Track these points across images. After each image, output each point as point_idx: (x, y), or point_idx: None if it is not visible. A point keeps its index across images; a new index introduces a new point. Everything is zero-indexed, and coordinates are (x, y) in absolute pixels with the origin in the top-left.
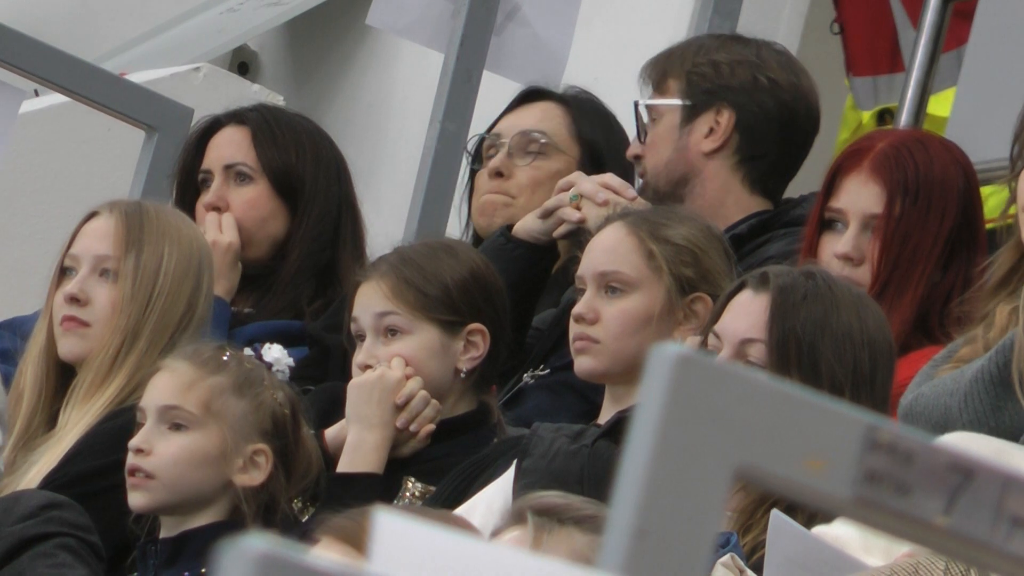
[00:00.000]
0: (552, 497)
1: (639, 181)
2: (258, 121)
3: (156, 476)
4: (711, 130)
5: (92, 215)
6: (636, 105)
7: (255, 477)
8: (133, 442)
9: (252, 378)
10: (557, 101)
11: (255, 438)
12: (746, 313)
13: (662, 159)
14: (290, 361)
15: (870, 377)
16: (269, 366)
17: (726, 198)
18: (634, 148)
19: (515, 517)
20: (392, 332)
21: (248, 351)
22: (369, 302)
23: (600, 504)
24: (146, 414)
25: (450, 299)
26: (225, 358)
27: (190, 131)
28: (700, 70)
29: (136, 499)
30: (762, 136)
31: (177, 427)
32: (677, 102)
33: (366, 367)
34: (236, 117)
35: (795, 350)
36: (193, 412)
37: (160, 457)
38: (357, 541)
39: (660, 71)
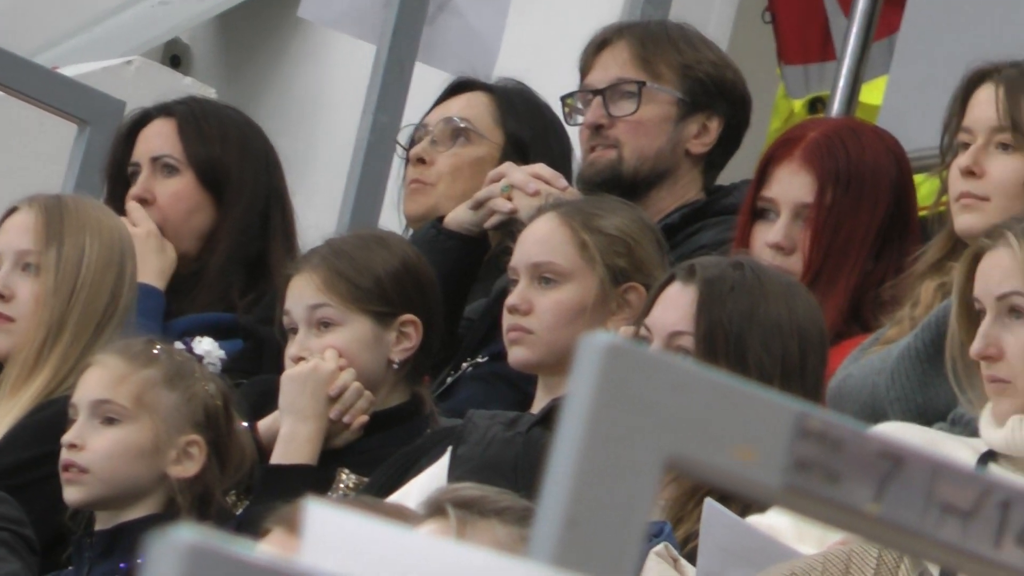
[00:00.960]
0: (469, 489)
1: (605, 155)
2: (185, 113)
3: (90, 470)
4: (699, 132)
5: (13, 210)
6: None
7: (189, 468)
8: (66, 437)
9: (183, 371)
10: (484, 90)
11: (187, 429)
12: (675, 305)
13: (653, 146)
14: (221, 354)
15: (800, 367)
16: (200, 359)
17: (685, 197)
18: (598, 117)
19: (433, 509)
20: (324, 324)
21: (179, 345)
22: (301, 294)
23: (517, 495)
24: (78, 410)
25: (382, 290)
26: (156, 351)
27: (120, 124)
28: (703, 70)
29: (72, 494)
30: (731, 146)
31: (109, 421)
32: (676, 94)
33: (299, 359)
34: (164, 109)
35: (722, 341)
36: (125, 405)
37: (93, 452)
38: None
39: (645, 51)
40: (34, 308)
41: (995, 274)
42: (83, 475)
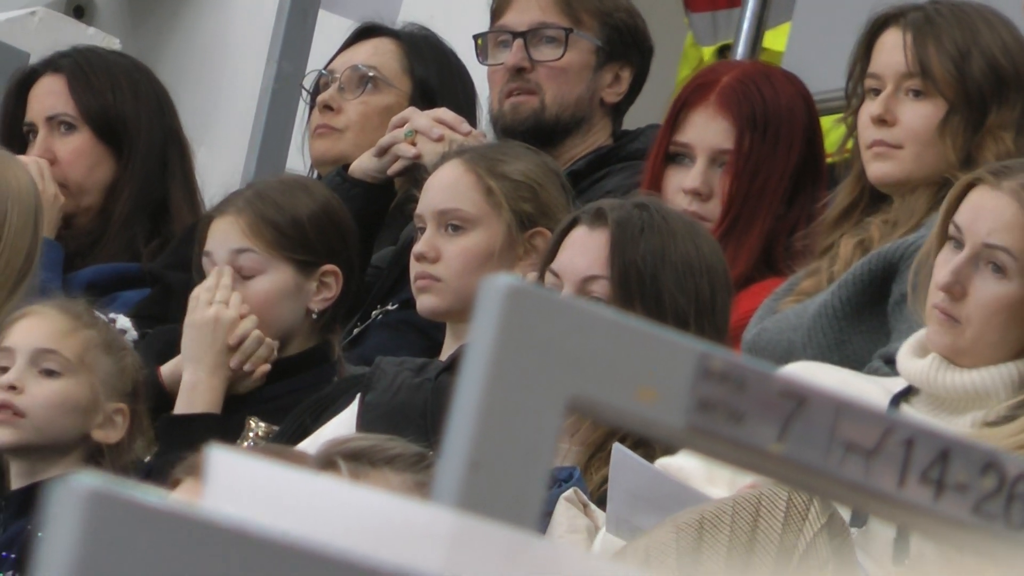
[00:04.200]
0: (358, 440)
1: (527, 101)
2: (73, 68)
3: (27, 415)
4: (612, 82)
5: None
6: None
7: (111, 435)
8: (5, 378)
9: (118, 340)
10: (391, 37)
11: (116, 397)
12: (584, 250)
13: (574, 93)
14: (135, 335)
15: (711, 304)
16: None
17: (595, 144)
18: (519, 60)
19: (323, 463)
20: (247, 270)
21: (110, 318)
22: (225, 238)
23: (426, 441)
24: (14, 355)
25: (305, 238)
26: (95, 314)
27: (8, 82)
28: (619, 18)
29: (1, 435)
30: (634, 96)
31: (49, 373)
32: (597, 42)
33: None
34: (51, 65)
35: (637, 283)
36: (68, 359)
37: (33, 397)
38: None
39: None
40: None
41: (990, 220)
42: (18, 418)
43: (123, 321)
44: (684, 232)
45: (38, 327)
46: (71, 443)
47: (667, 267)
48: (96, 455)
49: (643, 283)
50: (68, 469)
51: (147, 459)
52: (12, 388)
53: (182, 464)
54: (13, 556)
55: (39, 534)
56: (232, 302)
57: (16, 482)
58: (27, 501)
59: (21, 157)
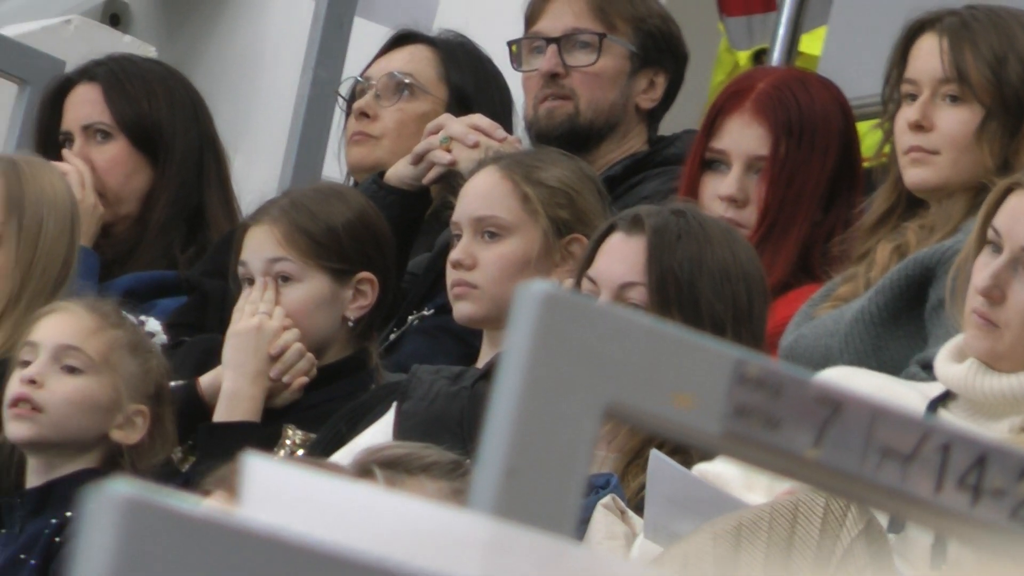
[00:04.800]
0: (394, 448)
1: (562, 107)
2: (108, 76)
3: (45, 410)
4: (647, 87)
5: None
6: (575, 30)
7: (130, 436)
8: (26, 372)
9: (144, 341)
10: (427, 44)
11: (139, 398)
12: (621, 256)
13: (607, 98)
14: (164, 339)
15: (748, 311)
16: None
17: (631, 150)
18: (554, 65)
19: (359, 471)
20: (283, 279)
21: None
22: (260, 246)
23: (463, 450)
24: (38, 350)
25: (341, 247)
26: (123, 315)
27: (43, 91)
28: (653, 24)
29: (19, 429)
30: (669, 102)
31: (71, 370)
32: (631, 47)
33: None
34: (87, 74)
35: (674, 290)
36: (92, 357)
37: (53, 393)
38: None
39: (600, 2)
40: None
41: None
42: (36, 413)
43: (152, 324)
44: (721, 238)
45: (64, 324)
46: (89, 442)
47: (704, 274)
48: (115, 455)
49: (680, 290)
50: (85, 466)
51: (185, 468)
52: (32, 382)
53: (212, 475)
54: (33, 562)
55: (58, 539)
56: (275, 314)
57: (32, 479)
58: (44, 499)
59: (61, 165)
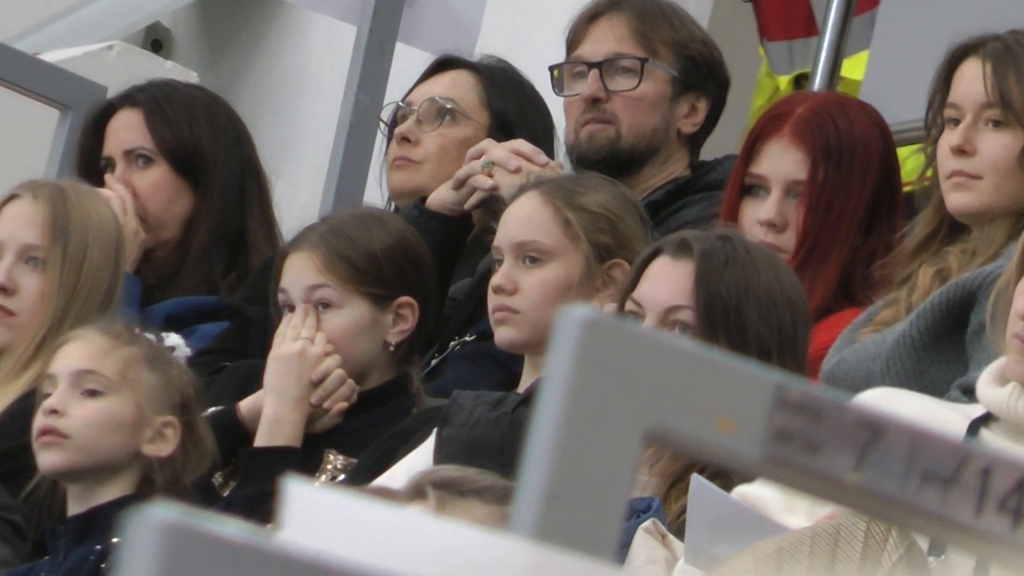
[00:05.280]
0: (449, 470)
1: (603, 131)
2: (149, 101)
3: (70, 436)
4: (688, 112)
5: (12, 197)
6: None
7: (162, 448)
8: (47, 403)
9: (163, 354)
10: (469, 69)
11: (165, 410)
12: (667, 280)
13: (649, 123)
14: (187, 351)
15: (792, 337)
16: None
17: (672, 175)
18: (595, 90)
19: (414, 492)
20: (324, 305)
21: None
22: (299, 274)
23: (503, 475)
24: (57, 380)
25: (380, 272)
26: (136, 332)
27: (85, 116)
28: (695, 48)
29: (48, 459)
30: (711, 126)
31: (91, 393)
32: (673, 72)
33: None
34: (128, 99)
35: (721, 315)
36: (109, 377)
37: (75, 419)
38: None
39: (644, 26)
40: (38, 304)
41: None
42: (62, 440)
43: (174, 338)
44: (766, 265)
45: (78, 350)
46: (122, 461)
47: (751, 299)
48: (152, 472)
49: (728, 315)
50: (123, 491)
51: (225, 493)
52: (55, 412)
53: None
54: None
55: (103, 566)
56: (317, 340)
57: (74, 507)
58: (87, 526)
59: (103, 191)
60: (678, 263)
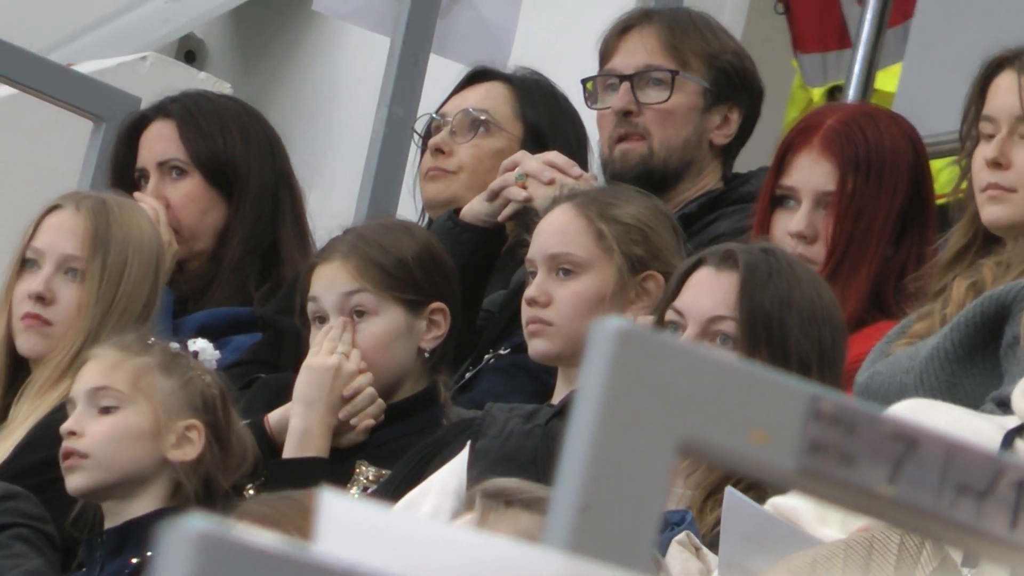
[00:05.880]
0: (503, 481)
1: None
2: (182, 113)
3: (90, 455)
4: (721, 123)
5: (54, 207)
6: (647, 67)
7: (188, 452)
8: (65, 426)
9: (178, 359)
10: (503, 81)
11: (186, 414)
12: (710, 290)
13: (680, 136)
14: (216, 354)
15: (832, 353)
16: (195, 355)
17: (706, 187)
18: (627, 103)
19: (468, 503)
20: (359, 312)
21: (173, 344)
22: (333, 282)
23: (550, 487)
24: (75, 402)
25: (413, 277)
26: (150, 342)
27: (119, 127)
28: (727, 60)
29: (74, 480)
30: (745, 137)
31: (107, 410)
32: (704, 84)
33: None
34: (161, 110)
35: (764, 327)
36: (121, 390)
37: (93, 437)
38: (276, 525)
39: (674, 38)
40: (75, 315)
41: None
42: (83, 460)
43: (200, 343)
44: (808, 279)
45: (89, 369)
46: (149, 471)
47: (793, 313)
48: (185, 472)
49: (770, 328)
50: (157, 503)
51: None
52: (72, 434)
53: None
54: None
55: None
56: (352, 356)
57: (109, 521)
58: (123, 539)
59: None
60: (722, 274)
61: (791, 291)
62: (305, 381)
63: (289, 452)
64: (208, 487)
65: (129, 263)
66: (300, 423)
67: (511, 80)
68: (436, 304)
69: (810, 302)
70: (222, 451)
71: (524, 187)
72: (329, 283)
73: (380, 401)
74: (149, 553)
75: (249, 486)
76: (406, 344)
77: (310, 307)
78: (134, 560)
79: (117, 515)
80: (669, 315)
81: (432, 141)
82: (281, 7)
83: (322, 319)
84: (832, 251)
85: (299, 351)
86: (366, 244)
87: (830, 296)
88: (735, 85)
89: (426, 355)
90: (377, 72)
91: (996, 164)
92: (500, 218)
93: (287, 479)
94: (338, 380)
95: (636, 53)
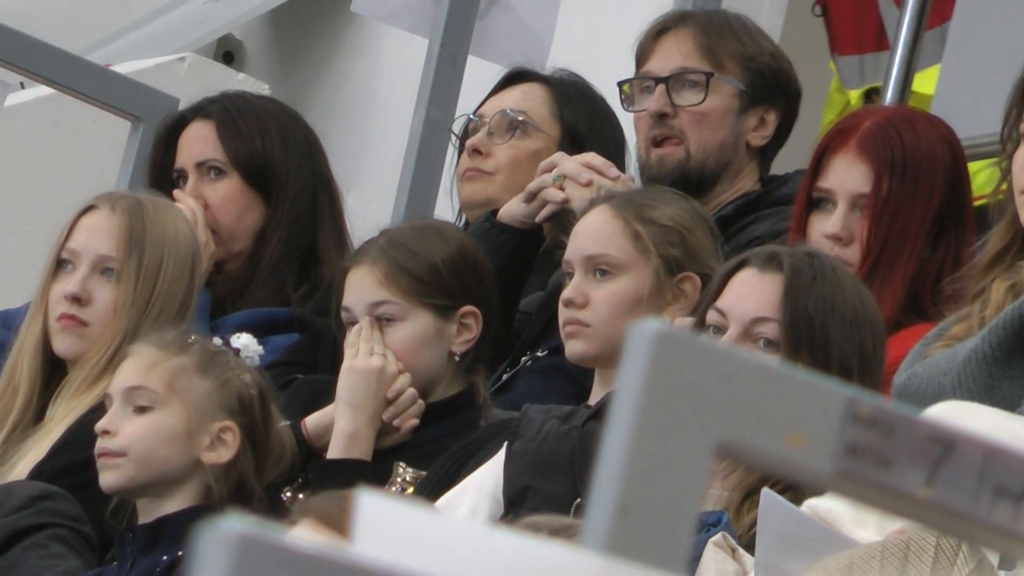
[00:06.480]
0: (535, 517)
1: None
2: (221, 114)
3: (125, 453)
4: (757, 125)
5: (89, 208)
6: (683, 70)
7: (222, 455)
8: (99, 425)
9: (216, 359)
10: (540, 82)
11: (221, 416)
12: (754, 292)
13: (717, 139)
14: (259, 349)
15: (872, 358)
16: (237, 352)
17: (743, 189)
18: (662, 106)
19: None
20: (387, 320)
21: (216, 340)
22: (360, 290)
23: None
24: (112, 399)
25: (443, 283)
26: (189, 341)
27: (157, 128)
28: (763, 61)
29: (108, 478)
30: (783, 139)
31: (142, 409)
32: (740, 86)
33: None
34: (200, 111)
35: (807, 330)
36: (156, 391)
37: (127, 436)
38: (337, 523)
39: (709, 40)
40: (111, 316)
41: None
42: (118, 459)
43: (244, 339)
44: (851, 285)
45: (127, 367)
46: (182, 473)
47: (836, 318)
48: (216, 477)
49: (813, 331)
50: (190, 501)
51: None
52: (107, 433)
53: (301, 506)
54: None
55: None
56: (390, 357)
57: (143, 516)
58: (155, 536)
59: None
60: (766, 276)
61: (835, 296)
62: (350, 384)
63: (334, 453)
64: (241, 487)
65: (165, 263)
66: (348, 425)
67: (549, 81)
68: (467, 307)
69: (852, 307)
70: (258, 452)
71: (562, 188)
72: (357, 291)
73: (420, 401)
74: (181, 552)
75: (287, 488)
76: (435, 348)
77: (344, 315)
78: (165, 557)
79: (150, 512)
80: (711, 315)
81: (469, 142)
82: (319, 8)
83: (354, 324)
84: (867, 253)
85: (336, 353)
86: (395, 249)
87: (871, 302)
88: (771, 87)
89: (457, 358)
90: (415, 74)
91: None
92: (537, 219)
93: (331, 480)
94: (383, 381)
95: (671, 56)
